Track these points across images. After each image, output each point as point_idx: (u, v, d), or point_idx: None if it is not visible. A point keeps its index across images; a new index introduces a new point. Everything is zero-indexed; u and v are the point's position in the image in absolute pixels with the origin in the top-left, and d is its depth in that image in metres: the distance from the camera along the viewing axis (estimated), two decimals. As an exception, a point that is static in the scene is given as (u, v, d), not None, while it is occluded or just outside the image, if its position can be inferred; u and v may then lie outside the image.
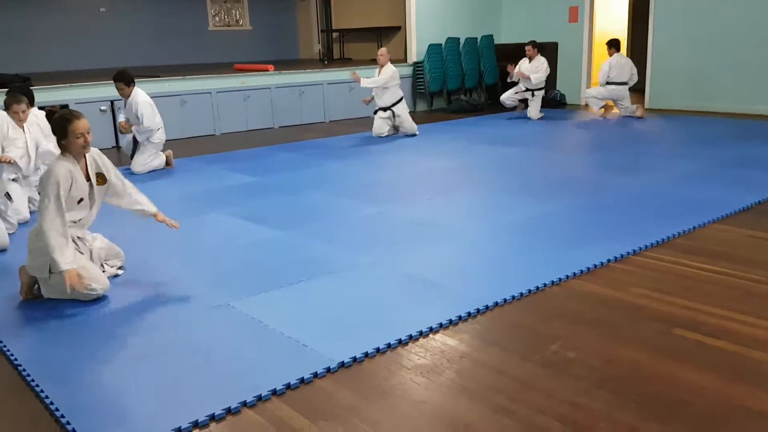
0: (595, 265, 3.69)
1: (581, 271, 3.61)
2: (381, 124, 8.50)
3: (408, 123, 8.53)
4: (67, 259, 3.26)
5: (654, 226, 4.36)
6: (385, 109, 8.49)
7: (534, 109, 9.88)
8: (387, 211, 4.99)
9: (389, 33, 13.15)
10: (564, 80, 11.57)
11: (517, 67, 9.91)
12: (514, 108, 10.30)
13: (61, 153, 3.46)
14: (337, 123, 9.10)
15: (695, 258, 3.80)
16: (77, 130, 3.36)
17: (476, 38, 11.68)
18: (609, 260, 3.77)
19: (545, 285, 3.44)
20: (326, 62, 12.49)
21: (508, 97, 10.06)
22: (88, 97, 8.17)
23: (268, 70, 9.83)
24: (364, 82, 8.30)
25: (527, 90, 9.94)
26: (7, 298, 3.51)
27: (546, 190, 5.49)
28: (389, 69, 8.40)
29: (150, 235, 4.33)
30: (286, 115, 9.90)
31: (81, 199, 3.49)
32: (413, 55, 11.35)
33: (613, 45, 9.60)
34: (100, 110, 8.20)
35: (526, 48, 9.84)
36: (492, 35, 11.92)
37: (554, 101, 11.28)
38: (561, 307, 3.23)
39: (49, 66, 11.35)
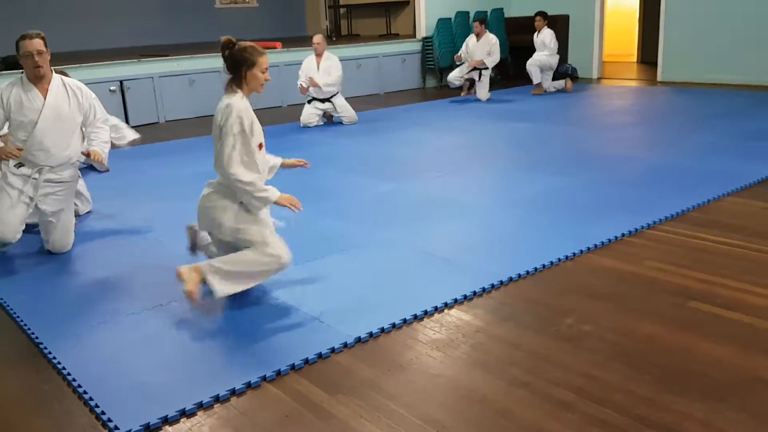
0: (610, 240, 3.69)
1: (595, 246, 3.61)
2: (311, 114, 7.79)
3: (348, 111, 7.83)
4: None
5: (668, 199, 4.34)
6: (322, 101, 7.79)
7: (482, 90, 9.19)
8: (400, 188, 4.99)
9: (397, 8, 13.03)
10: (576, 53, 11.44)
11: (464, 47, 9.25)
12: (460, 89, 9.54)
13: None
14: (347, 100, 9.06)
15: (710, 231, 3.79)
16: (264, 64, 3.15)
17: (486, 12, 11.55)
18: (623, 234, 3.76)
19: (559, 260, 3.45)
20: (334, 38, 12.40)
21: (455, 77, 9.28)
22: (97, 77, 8.17)
23: (275, 48, 9.78)
24: (323, 84, 7.56)
25: (474, 69, 9.16)
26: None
27: (558, 164, 5.47)
28: (335, 59, 7.70)
29: (163, 210, 4.36)
30: (295, 93, 9.85)
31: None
32: (422, 30, 11.25)
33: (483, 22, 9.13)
34: (110, 90, 8.20)
35: (474, 24, 9.11)
36: (502, 8, 11.79)
37: (566, 75, 11.16)
38: (575, 282, 3.23)
39: (58, 46, 11.30)
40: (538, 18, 9.47)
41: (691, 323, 2.76)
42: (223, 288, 2.96)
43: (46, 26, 11.08)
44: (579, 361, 2.49)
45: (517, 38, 11.57)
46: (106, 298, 3.23)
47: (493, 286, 3.17)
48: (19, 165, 3.71)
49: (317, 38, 7.72)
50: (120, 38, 11.57)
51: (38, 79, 3.67)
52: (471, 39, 9.24)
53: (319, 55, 7.69)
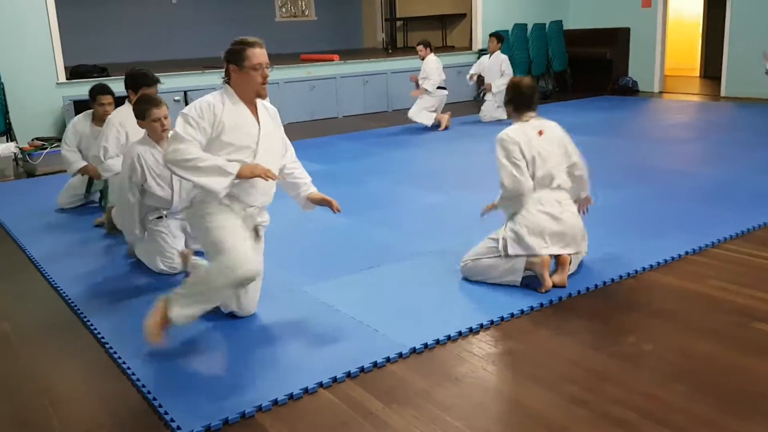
0: (672, 257, 3.61)
1: (658, 263, 3.54)
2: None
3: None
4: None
5: (732, 217, 4.22)
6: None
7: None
8: (452, 199, 4.99)
9: (454, 20, 13.05)
10: (636, 67, 11.23)
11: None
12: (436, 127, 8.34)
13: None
14: (400, 112, 9.09)
15: (777, 251, 3.67)
16: None
17: (544, 24, 11.47)
18: (686, 252, 3.67)
19: (621, 277, 3.39)
20: (390, 51, 12.50)
21: (419, 114, 8.25)
22: (162, 87, 8.40)
23: (333, 60, 9.93)
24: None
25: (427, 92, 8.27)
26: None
27: (617, 179, 5.37)
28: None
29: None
30: (350, 104, 9.98)
31: None
32: (478, 43, 11.23)
33: (428, 45, 8.36)
34: (174, 100, 8.46)
35: (417, 48, 8.34)
36: (561, 21, 11.67)
37: (626, 88, 10.99)
38: (637, 299, 3.17)
39: (123, 57, 11.75)
40: (491, 40, 8.64)
41: (755, 344, 2.68)
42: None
43: (110, 37, 11.33)
44: (639, 380, 2.45)
45: (575, 50, 11.45)
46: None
47: (551, 301, 3.13)
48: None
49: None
50: (184, 49, 11.92)
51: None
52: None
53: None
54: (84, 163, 4.92)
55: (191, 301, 2.71)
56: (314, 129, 8.72)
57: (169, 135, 3.11)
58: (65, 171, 5.25)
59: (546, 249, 3.23)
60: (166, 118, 3.69)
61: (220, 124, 2.85)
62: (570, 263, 3.32)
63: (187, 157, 2.76)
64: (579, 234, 3.36)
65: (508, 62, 8.67)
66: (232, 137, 2.87)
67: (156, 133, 3.67)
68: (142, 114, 3.68)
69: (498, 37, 8.69)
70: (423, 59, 8.31)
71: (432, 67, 8.20)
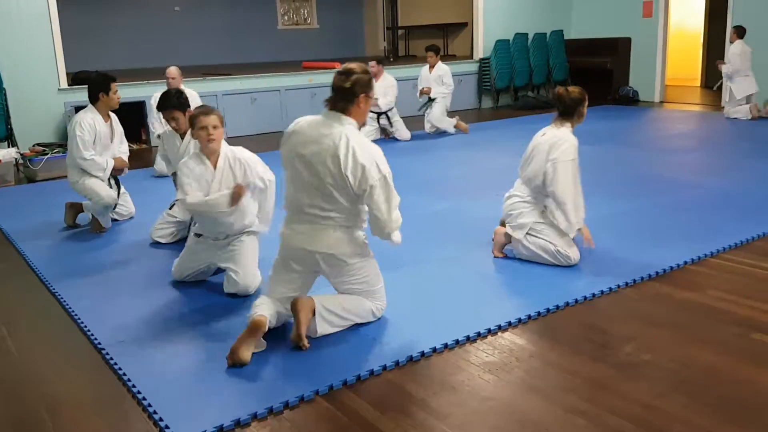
0: (672, 267, 3.59)
1: (657, 273, 3.52)
2: (369, 130, 7.97)
3: (402, 128, 8.18)
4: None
5: (732, 227, 4.21)
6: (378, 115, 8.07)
7: (401, 130, 8.23)
8: (455, 207, 4.98)
9: (455, 29, 13.09)
10: (637, 77, 11.25)
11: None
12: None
13: None
14: (404, 119, 9.10)
15: (777, 261, 3.66)
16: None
17: (545, 34, 11.50)
18: (686, 262, 3.66)
19: (619, 286, 3.37)
20: (391, 59, 12.53)
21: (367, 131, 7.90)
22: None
23: (335, 68, 9.93)
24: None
25: (379, 115, 8.11)
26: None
27: (619, 188, 5.37)
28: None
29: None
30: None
31: None
32: (480, 51, 11.26)
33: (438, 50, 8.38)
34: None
35: (370, 64, 7.86)
36: (562, 30, 11.71)
37: (627, 98, 11.00)
38: (635, 309, 3.16)
39: (126, 63, 11.79)
40: (430, 54, 8.39)
41: (755, 355, 2.66)
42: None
43: (117, 45, 11.36)
44: (638, 389, 2.43)
45: (576, 60, 11.48)
46: (168, 309, 3.32)
47: (548, 310, 3.12)
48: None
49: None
50: (186, 57, 11.94)
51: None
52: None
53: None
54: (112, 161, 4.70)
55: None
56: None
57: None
58: (65, 176, 4.91)
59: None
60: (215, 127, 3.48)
61: None
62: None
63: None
64: None
65: (450, 74, 8.44)
66: None
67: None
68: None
69: (436, 50, 8.45)
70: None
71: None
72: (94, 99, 4.61)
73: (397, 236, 2.88)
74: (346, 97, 2.78)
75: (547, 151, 3.58)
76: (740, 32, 8.88)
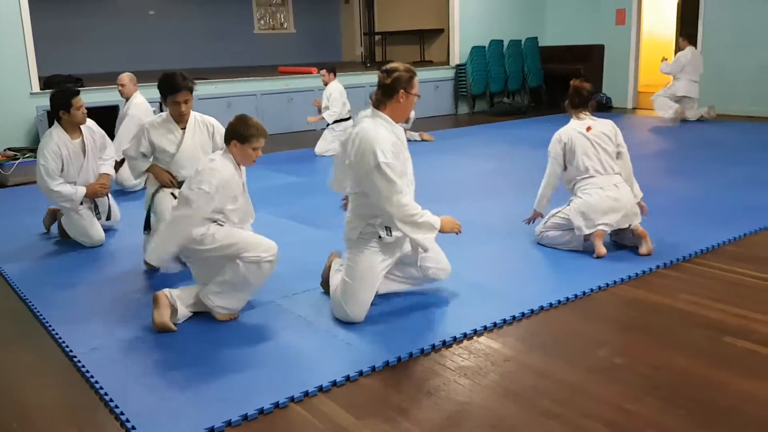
0: (644, 271, 3.64)
1: (629, 277, 3.57)
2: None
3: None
4: None
5: (704, 232, 4.27)
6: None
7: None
8: (432, 211, 4.97)
9: (432, 35, 13.16)
10: (610, 83, 11.41)
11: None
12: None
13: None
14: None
15: (747, 265, 3.72)
16: None
17: (520, 40, 11.61)
18: (658, 266, 3.71)
19: (592, 290, 3.41)
20: (368, 65, 12.55)
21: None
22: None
23: (311, 73, 9.93)
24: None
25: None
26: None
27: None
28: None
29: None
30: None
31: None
32: (456, 58, 11.34)
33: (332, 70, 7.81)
34: (152, 111, 8.38)
35: (321, 72, 7.78)
36: (536, 38, 11.83)
37: (600, 104, 11.13)
38: (608, 313, 3.19)
39: (99, 67, 11.67)
40: (323, 73, 7.81)
41: (726, 358, 2.70)
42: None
43: (91, 49, 11.28)
44: (611, 393, 2.45)
45: (551, 66, 11.61)
46: (140, 314, 3.28)
47: (523, 314, 3.14)
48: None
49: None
50: (161, 61, 11.85)
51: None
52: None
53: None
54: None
55: None
56: (293, 141, 8.70)
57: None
58: (35, 182, 4.52)
59: (602, 224, 3.83)
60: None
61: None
62: (647, 236, 3.87)
63: (413, 212, 3.12)
64: (632, 210, 3.92)
65: (340, 93, 7.59)
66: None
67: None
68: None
69: (330, 68, 7.87)
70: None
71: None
72: (56, 118, 4.34)
73: (412, 230, 3.12)
74: (387, 92, 3.06)
75: (615, 135, 4.05)
76: (690, 39, 9.40)
